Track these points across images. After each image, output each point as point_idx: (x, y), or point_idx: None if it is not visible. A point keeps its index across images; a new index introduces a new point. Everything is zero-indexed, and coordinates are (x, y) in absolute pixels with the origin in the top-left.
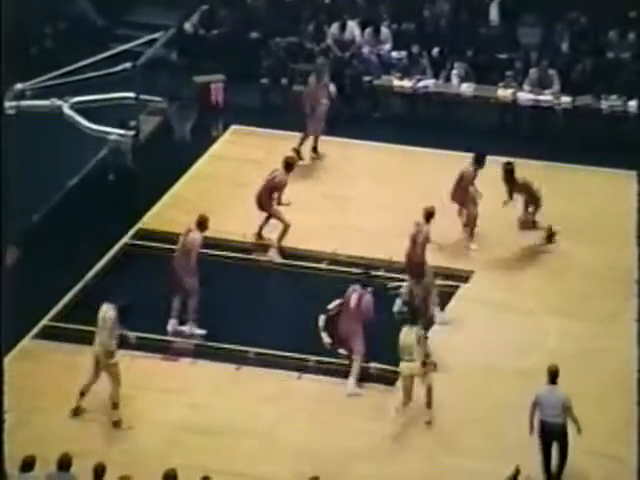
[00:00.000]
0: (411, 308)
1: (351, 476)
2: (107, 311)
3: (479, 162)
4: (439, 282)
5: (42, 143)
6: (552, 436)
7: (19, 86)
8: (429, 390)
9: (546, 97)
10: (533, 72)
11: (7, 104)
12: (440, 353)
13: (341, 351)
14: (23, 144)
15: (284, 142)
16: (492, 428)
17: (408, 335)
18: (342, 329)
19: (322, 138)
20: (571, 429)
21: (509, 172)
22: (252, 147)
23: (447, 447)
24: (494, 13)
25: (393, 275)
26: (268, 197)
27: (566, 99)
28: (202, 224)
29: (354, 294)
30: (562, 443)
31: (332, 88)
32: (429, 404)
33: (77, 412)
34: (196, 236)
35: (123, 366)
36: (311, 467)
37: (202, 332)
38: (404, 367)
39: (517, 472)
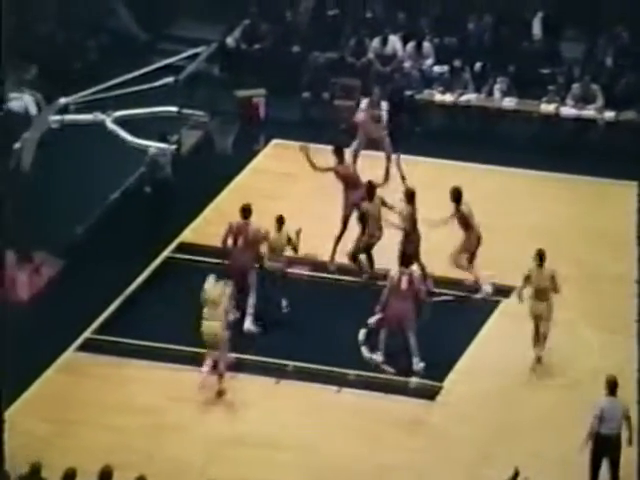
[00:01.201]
0: None
1: None
2: (225, 287)
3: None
4: (480, 296)
5: (85, 157)
6: (606, 449)
7: (63, 100)
8: None
9: (589, 112)
10: (576, 87)
11: (51, 118)
12: (481, 366)
13: (383, 366)
14: (67, 157)
15: (324, 156)
16: (533, 442)
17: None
18: (396, 311)
19: (364, 153)
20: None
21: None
22: (292, 161)
23: (487, 461)
24: (537, 27)
25: (434, 289)
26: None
27: (609, 114)
28: (248, 211)
29: (403, 276)
30: (616, 456)
31: (384, 110)
32: None
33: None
34: (257, 226)
35: (164, 379)
36: None
37: (258, 329)
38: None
39: (516, 474)
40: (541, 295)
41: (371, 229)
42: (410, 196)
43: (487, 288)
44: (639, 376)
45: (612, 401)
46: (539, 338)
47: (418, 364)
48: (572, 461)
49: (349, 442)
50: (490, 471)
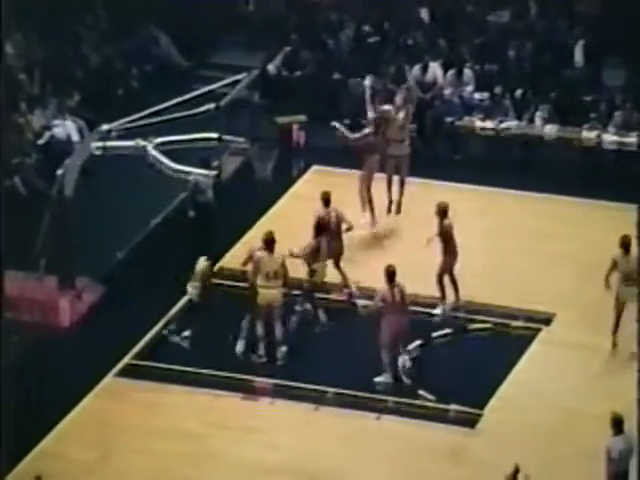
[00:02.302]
0: None
1: None
2: (284, 259)
3: None
4: (521, 324)
5: (127, 183)
6: None
7: (105, 127)
8: None
9: (631, 139)
10: (618, 114)
11: (93, 144)
12: (522, 394)
13: (421, 392)
14: (109, 184)
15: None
16: (574, 473)
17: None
18: (401, 325)
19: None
20: None
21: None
22: (332, 187)
23: None
24: (578, 54)
25: (473, 316)
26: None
27: None
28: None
29: (394, 289)
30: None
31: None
32: None
33: None
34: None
35: (203, 405)
36: None
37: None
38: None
39: (516, 470)
40: (629, 280)
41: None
42: (443, 212)
43: (441, 309)
44: (639, 376)
45: (618, 439)
46: (619, 325)
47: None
48: None
49: (388, 470)
50: None
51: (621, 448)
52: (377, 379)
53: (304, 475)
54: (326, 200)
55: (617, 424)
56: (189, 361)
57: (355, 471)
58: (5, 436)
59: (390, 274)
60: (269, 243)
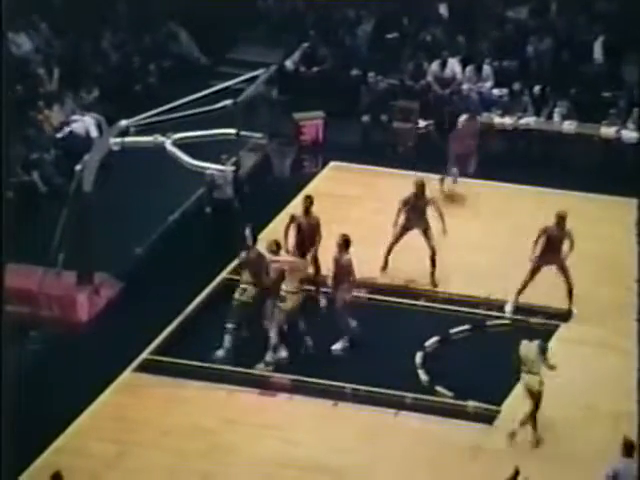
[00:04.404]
0: None
1: None
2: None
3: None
4: (538, 320)
5: (145, 178)
6: None
7: (123, 123)
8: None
9: None
10: (637, 110)
11: (112, 140)
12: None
13: (439, 389)
14: (127, 179)
15: (383, 179)
16: (591, 471)
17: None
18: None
19: (423, 176)
20: None
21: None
22: (351, 183)
23: None
24: (598, 51)
25: (492, 313)
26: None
27: None
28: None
29: (346, 257)
30: None
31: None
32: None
33: None
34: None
35: (222, 400)
36: None
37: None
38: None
39: (517, 473)
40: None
41: None
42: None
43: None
44: (639, 376)
45: (628, 462)
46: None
47: None
48: None
49: (406, 466)
50: None
51: (617, 468)
52: (334, 347)
53: (322, 470)
54: (307, 207)
55: (625, 447)
56: (207, 356)
57: (373, 466)
58: (22, 432)
59: (346, 242)
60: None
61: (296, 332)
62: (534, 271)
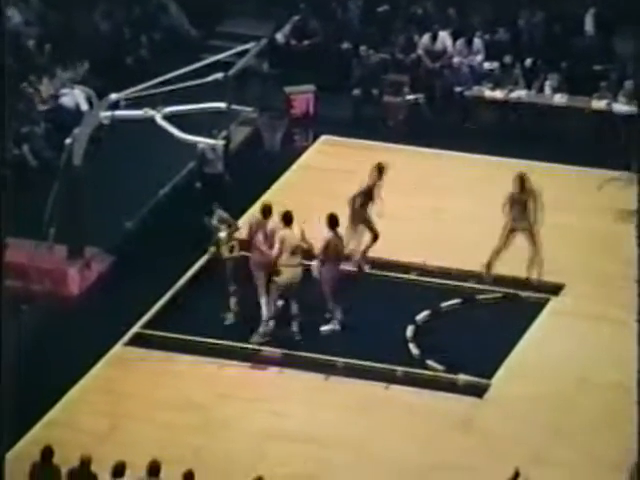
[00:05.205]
0: None
1: None
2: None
3: None
4: (530, 294)
5: (135, 152)
6: None
7: (113, 96)
8: None
9: None
10: (628, 83)
11: (102, 113)
12: (530, 364)
13: (430, 362)
14: (117, 153)
15: (374, 153)
16: (584, 442)
17: None
18: (341, 273)
19: (414, 149)
20: None
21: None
22: (342, 157)
23: (537, 460)
24: (589, 23)
25: (483, 287)
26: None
27: None
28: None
29: (336, 236)
30: None
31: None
32: None
33: None
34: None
35: (213, 374)
36: (398, 479)
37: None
38: None
39: (517, 474)
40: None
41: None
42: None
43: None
44: (639, 377)
45: None
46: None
47: None
48: (624, 463)
49: (397, 439)
50: (541, 471)
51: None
52: (323, 328)
53: (314, 444)
54: (266, 211)
55: None
56: (198, 330)
57: (363, 439)
58: (11, 405)
59: (333, 220)
60: (288, 219)
61: (288, 311)
62: (507, 237)
